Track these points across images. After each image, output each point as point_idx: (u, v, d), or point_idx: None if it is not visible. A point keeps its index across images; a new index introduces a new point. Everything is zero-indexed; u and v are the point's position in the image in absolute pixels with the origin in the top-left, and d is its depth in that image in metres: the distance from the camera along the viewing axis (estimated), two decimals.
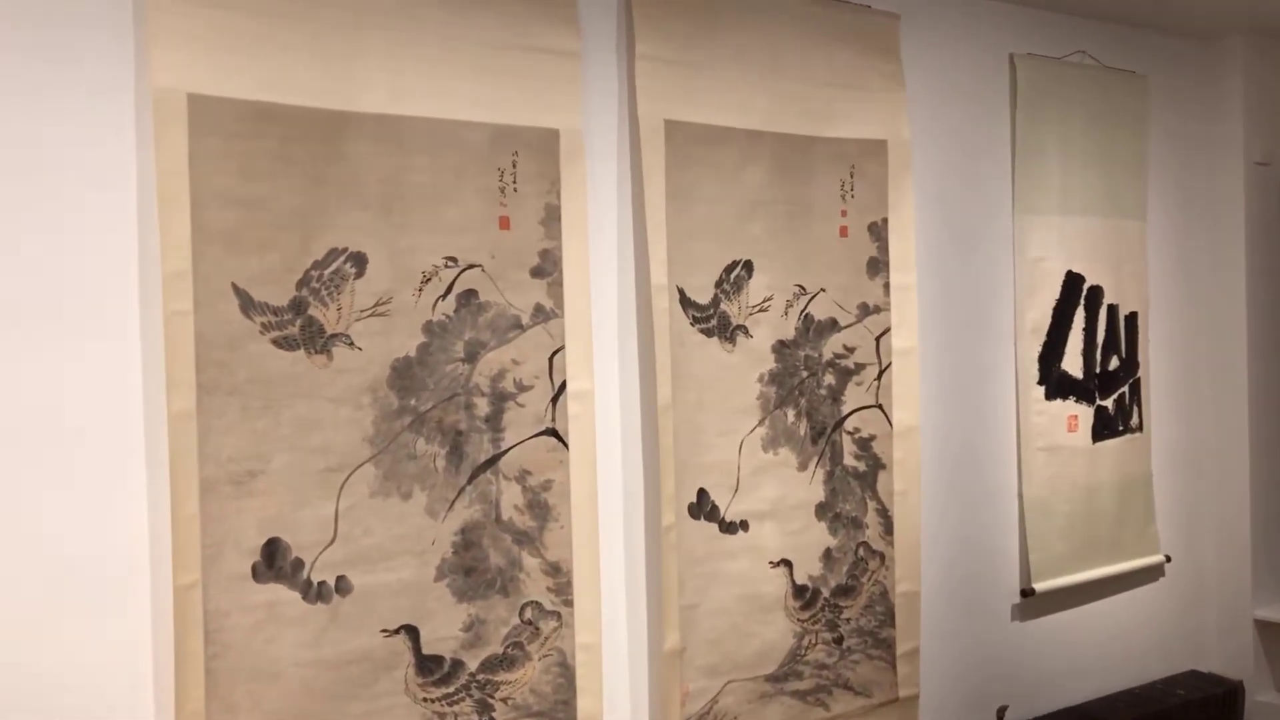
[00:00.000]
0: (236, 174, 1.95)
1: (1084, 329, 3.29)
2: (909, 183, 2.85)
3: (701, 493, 2.50)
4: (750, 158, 2.59)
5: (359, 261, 2.08)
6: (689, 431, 2.48)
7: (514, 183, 2.27)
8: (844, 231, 2.76)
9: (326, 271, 2.05)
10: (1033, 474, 3.17)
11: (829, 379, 2.72)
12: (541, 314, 2.29)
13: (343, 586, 2.05)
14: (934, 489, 2.96)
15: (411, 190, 2.14)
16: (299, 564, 2.01)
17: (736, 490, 2.56)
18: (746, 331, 2.59)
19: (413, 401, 2.14)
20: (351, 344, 2.07)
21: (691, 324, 2.50)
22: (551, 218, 2.31)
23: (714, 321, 2.54)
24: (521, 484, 2.26)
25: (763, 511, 2.60)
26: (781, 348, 2.64)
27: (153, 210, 1.88)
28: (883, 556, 2.80)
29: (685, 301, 2.49)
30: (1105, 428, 3.33)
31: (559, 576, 2.29)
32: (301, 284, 2.02)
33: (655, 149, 2.44)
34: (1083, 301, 3.28)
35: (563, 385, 2.31)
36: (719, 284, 2.55)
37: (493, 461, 2.23)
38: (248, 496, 1.95)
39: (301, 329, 2.02)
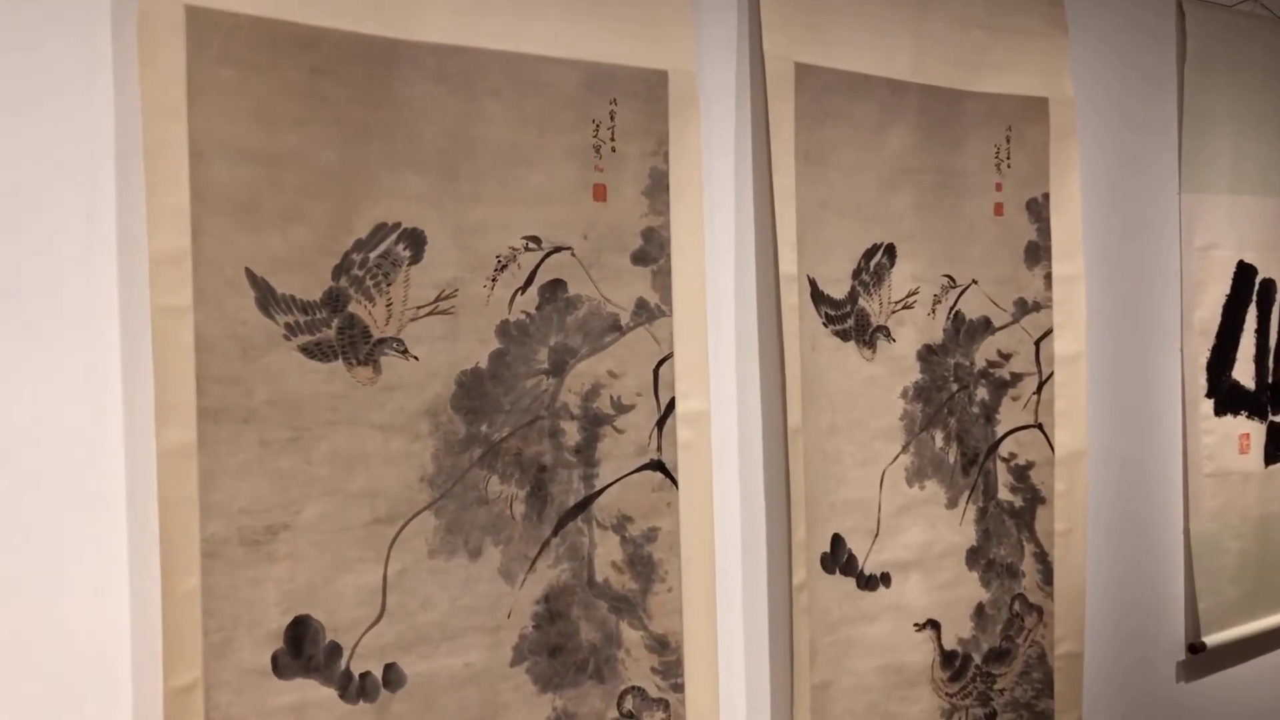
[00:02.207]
0: (252, 118, 1.41)
1: (1255, 331, 2.76)
2: (1074, 150, 2.32)
3: (837, 539, 1.98)
4: (894, 114, 2.06)
5: (415, 241, 1.55)
6: (821, 462, 1.96)
7: (611, 140, 1.73)
8: (998, 209, 2.23)
9: (372, 254, 1.52)
10: (1200, 504, 2.64)
11: (981, 393, 2.19)
12: (645, 312, 1.76)
13: (393, 678, 1.53)
14: (1093, 526, 2.43)
15: (483, 147, 1.61)
16: (335, 650, 1.48)
17: (877, 535, 2.03)
18: (888, 334, 2.06)
19: (484, 428, 1.61)
20: (405, 352, 1.54)
21: (825, 324, 1.97)
22: (658, 186, 1.78)
23: (850, 321, 2.01)
24: (620, 534, 1.74)
25: (907, 561, 2.07)
26: (928, 354, 2.11)
27: (137, 167, 1.35)
28: (1040, 611, 2.27)
29: (817, 295, 1.96)
30: (1278, 448, 2.80)
31: (666, 654, 1.77)
32: (339, 271, 1.49)
33: (784, 99, 1.91)
34: (1255, 298, 2.76)
35: (671, 404, 1.78)
36: (857, 274, 2.02)
37: (585, 505, 1.70)
38: (268, 561, 1.43)
39: (340, 332, 1.49)
